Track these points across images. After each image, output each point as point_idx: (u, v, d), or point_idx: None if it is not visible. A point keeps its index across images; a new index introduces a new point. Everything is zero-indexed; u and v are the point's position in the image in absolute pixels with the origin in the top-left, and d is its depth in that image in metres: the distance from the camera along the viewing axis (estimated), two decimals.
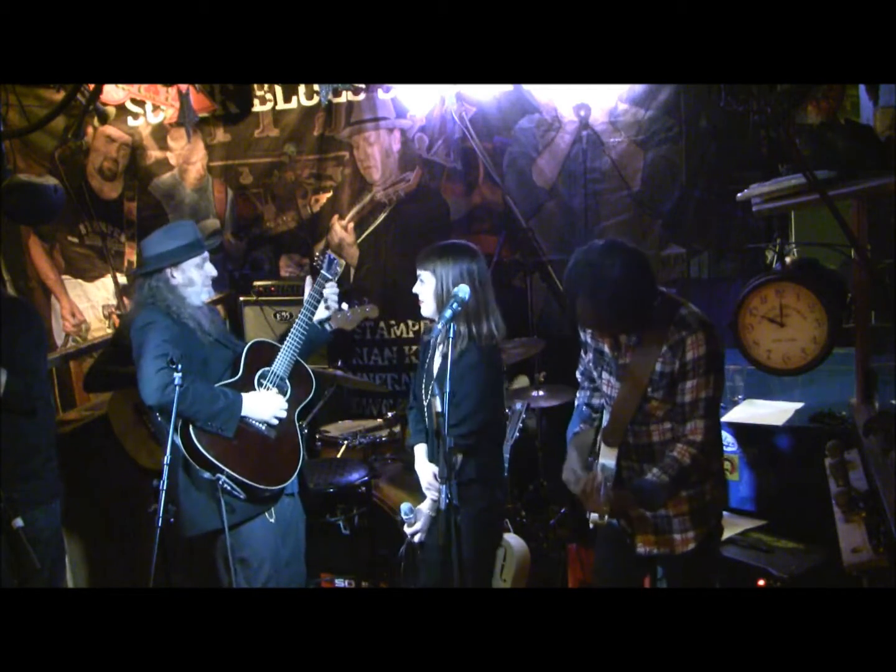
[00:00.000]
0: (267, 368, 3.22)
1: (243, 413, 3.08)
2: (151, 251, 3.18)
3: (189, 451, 3.00)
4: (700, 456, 2.54)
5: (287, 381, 3.24)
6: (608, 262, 2.43)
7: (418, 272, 3.14)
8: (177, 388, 2.83)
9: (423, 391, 3.23)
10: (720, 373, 2.57)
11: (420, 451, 3.26)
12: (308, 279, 3.41)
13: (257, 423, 3.14)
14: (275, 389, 3.21)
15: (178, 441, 2.97)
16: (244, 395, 3.11)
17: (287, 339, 3.26)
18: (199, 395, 2.99)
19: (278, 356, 3.24)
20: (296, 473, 3.22)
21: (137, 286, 3.23)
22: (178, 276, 3.17)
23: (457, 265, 3.05)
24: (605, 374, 2.74)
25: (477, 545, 3.08)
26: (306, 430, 4.13)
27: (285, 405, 3.20)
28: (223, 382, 3.14)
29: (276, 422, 3.17)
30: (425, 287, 3.11)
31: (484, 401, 3.06)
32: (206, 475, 3.00)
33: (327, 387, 4.56)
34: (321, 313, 3.39)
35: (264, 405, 3.15)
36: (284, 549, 3.29)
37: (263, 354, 3.26)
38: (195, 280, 3.19)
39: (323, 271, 3.37)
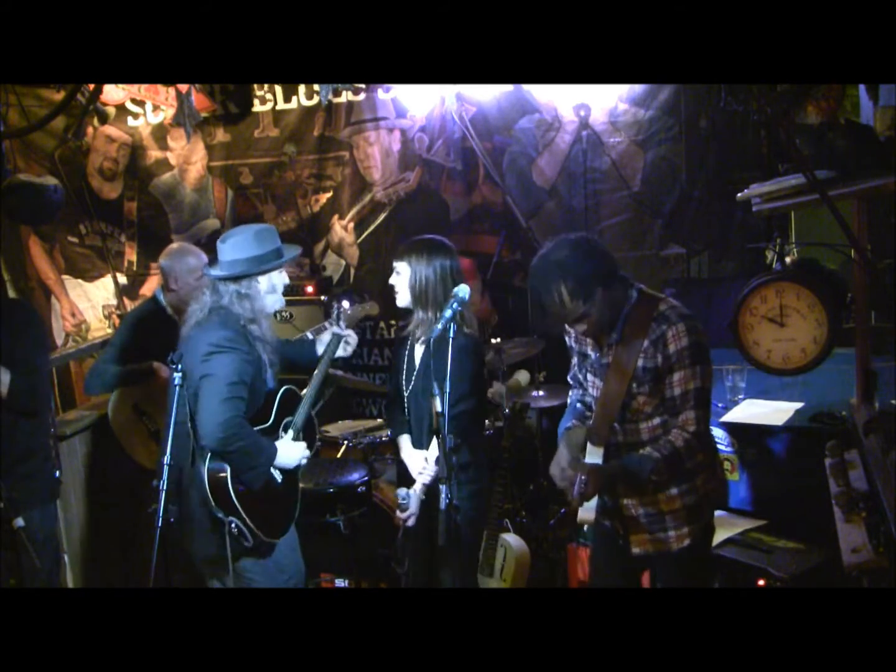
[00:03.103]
0: (290, 418, 3.20)
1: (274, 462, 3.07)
2: (241, 254, 3.02)
3: (214, 487, 2.93)
4: (694, 441, 2.55)
5: (301, 434, 3.21)
6: (554, 250, 2.55)
7: (395, 264, 3.26)
8: (176, 388, 2.81)
9: (403, 384, 3.33)
10: (707, 364, 2.57)
11: (405, 440, 3.36)
12: (328, 321, 3.44)
13: (274, 472, 3.11)
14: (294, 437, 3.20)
15: (205, 472, 2.92)
16: (276, 445, 3.08)
17: (307, 390, 3.25)
18: (252, 449, 2.95)
19: (299, 408, 3.21)
20: (290, 527, 3.19)
21: (211, 289, 3.06)
22: (263, 281, 3.07)
23: (430, 259, 3.19)
24: (590, 377, 2.76)
25: (469, 526, 3.17)
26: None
27: (308, 452, 3.19)
28: (258, 429, 3.07)
29: (301, 463, 3.16)
30: (401, 278, 3.23)
31: (475, 381, 3.20)
32: (220, 515, 2.93)
33: (327, 387, 4.56)
34: (339, 352, 3.40)
35: (291, 453, 3.12)
36: (275, 553, 3.22)
37: (290, 403, 3.22)
38: (277, 287, 3.12)
39: (341, 324, 3.41)
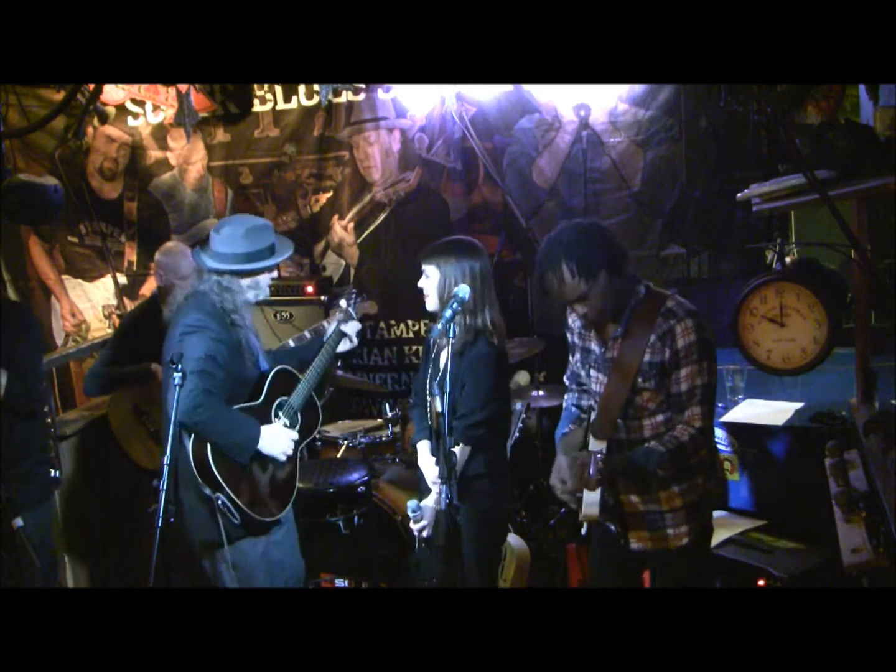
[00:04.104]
0: (285, 399, 3.20)
1: (258, 447, 3.06)
2: (230, 249, 3.06)
3: (198, 463, 2.96)
4: (699, 437, 2.55)
5: (299, 415, 3.23)
6: (562, 231, 2.58)
7: (423, 267, 3.16)
8: (177, 388, 2.82)
9: (427, 388, 3.24)
10: (713, 360, 2.57)
11: (423, 447, 3.29)
12: (326, 320, 3.40)
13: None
14: (287, 422, 3.19)
15: (189, 449, 2.95)
16: (262, 428, 3.08)
17: (307, 372, 3.25)
18: (223, 422, 2.96)
19: (297, 389, 3.22)
20: (287, 507, 3.19)
21: (196, 274, 3.13)
22: (246, 276, 3.10)
23: (460, 262, 3.09)
24: (593, 372, 2.75)
25: (486, 541, 3.15)
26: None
27: (296, 436, 3.18)
28: (245, 406, 3.10)
29: (283, 458, 3.14)
30: (430, 281, 3.15)
31: (494, 391, 3.11)
32: (207, 491, 2.97)
33: (327, 387, 4.56)
34: (340, 347, 3.38)
35: (278, 441, 3.11)
36: (276, 551, 3.25)
37: (284, 383, 3.23)
38: (261, 282, 3.15)
39: (350, 309, 3.37)
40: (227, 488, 2.97)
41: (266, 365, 3.25)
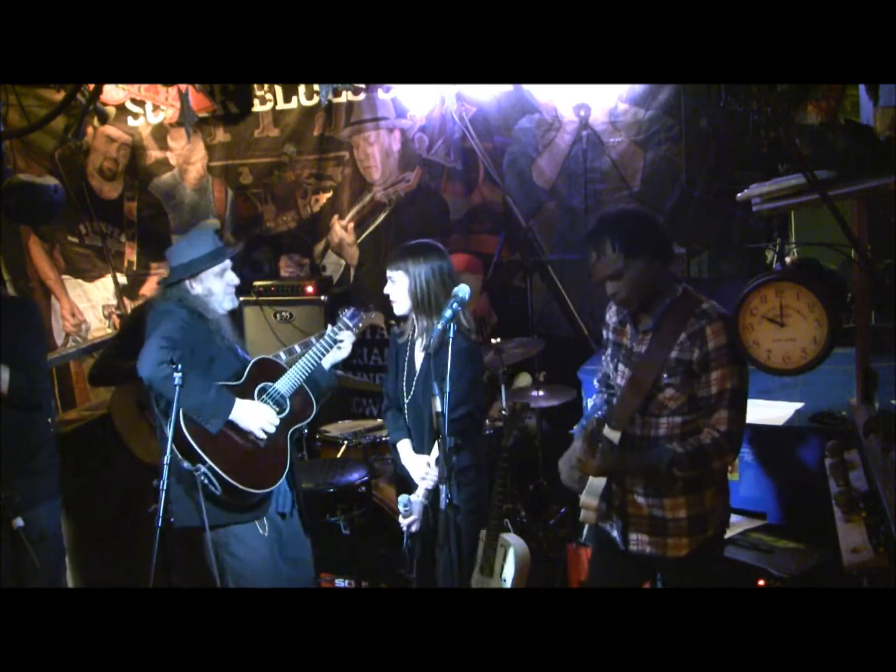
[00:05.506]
0: (269, 384, 3.23)
1: (232, 417, 3.06)
2: (175, 261, 3.22)
3: (175, 435, 2.96)
4: (722, 440, 2.53)
5: (287, 400, 3.24)
6: (617, 211, 2.69)
7: (389, 273, 3.24)
8: (177, 388, 2.82)
9: (404, 390, 3.31)
10: (744, 365, 2.59)
11: (404, 445, 3.33)
12: (315, 335, 3.44)
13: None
14: (273, 405, 3.20)
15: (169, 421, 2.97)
16: (237, 400, 3.09)
17: (295, 365, 3.27)
18: (191, 383, 2.97)
19: (284, 376, 3.24)
20: (276, 484, 3.18)
21: (161, 292, 3.27)
22: (196, 286, 3.18)
23: (427, 263, 3.18)
24: (620, 367, 2.75)
25: (469, 529, 3.20)
26: (306, 431, 4.13)
27: (276, 420, 3.18)
28: (223, 383, 3.13)
29: (263, 435, 3.14)
30: (397, 287, 3.22)
31: (476, 385, 3.22)
32: (186, 465, 2.96)
33: (324, 381, 4.56)
34: (333, 356, 3.38)
35: (254, 415, 3.12)
36: (286, 567, 3.28)
37: (268, 371, 3.26)
38: (214, 290, 3.20)
39: (345, 319, 3.37)
40: (200, 452, 2.98)
41: (247, 356, 3.32)
